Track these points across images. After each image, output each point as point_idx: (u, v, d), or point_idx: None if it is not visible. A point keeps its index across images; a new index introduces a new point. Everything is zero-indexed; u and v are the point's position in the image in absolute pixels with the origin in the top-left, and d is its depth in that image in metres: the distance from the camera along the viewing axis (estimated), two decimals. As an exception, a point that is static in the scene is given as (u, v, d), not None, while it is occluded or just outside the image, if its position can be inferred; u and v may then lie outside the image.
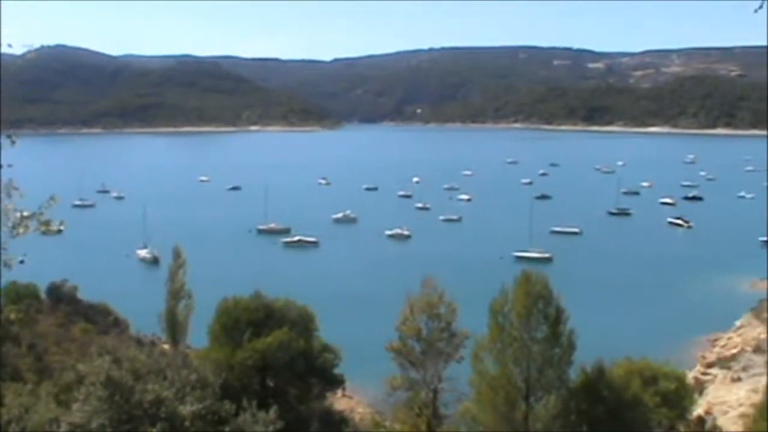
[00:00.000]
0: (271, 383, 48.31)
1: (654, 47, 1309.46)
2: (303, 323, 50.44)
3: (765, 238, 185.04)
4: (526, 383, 42.45)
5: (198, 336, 55.86)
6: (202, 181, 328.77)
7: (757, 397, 56.41)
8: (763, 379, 63.43)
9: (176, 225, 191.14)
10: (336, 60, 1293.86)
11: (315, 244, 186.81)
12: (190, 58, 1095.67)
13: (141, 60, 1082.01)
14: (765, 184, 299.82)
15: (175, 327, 60.83)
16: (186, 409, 26.79)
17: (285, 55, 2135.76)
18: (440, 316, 48.47)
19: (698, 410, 68.16)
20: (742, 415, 66.35)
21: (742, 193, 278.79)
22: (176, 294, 61.23)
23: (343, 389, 56.11)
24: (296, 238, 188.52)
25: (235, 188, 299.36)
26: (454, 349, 48.55)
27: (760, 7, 11.73)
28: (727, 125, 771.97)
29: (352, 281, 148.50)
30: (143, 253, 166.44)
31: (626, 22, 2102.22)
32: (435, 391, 48.68)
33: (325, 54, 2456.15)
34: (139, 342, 70.66)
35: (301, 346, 47.96)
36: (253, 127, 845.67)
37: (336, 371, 51.63)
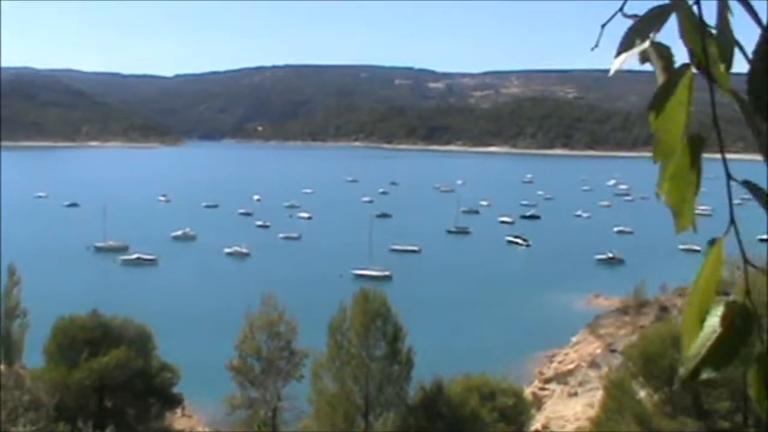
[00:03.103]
0: (108, 403, 47.64)
1: (494, 68, 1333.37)
2: (141, 342, 49.88)
3: (601, 256, 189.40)
4: (365, 400, 42.79)
5: (34, 356, 54.68)
6: (39, 197, 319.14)
7: (593, 411, 57.61)
8: (599, 394, 64.94)
9: (11, 242, 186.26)
10: (178, 76, 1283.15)
11: (153, 261, 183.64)
12: (29, 71, 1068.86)
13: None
14: (600, 203, 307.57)
15: (9, 347, 59.35)
16: (18, 431, 26.34)
17: (126, 69, 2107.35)
18: (280, 334, 48.65)
19: (536, 425, 69.48)
20: (579, 429, 67.78)
21: (579, 212, 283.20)
22: (11, 313, 59.79)
23: (183, 408, 55.49)
24: (134, 256, 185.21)
25: (72, 204, 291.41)
26: (293, 367, 48.78)
27: None
28: (564, 146, 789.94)
29: (192, 299, 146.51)
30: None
31: (467, 44, 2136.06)
32: (275, 410, 48.80)
33: (167, 70, 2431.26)
34: (-29, 362, 68.91)
35: (139, 365, 47.43)
36: (93, 143, 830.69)
37: (175, 390, 51.13)
